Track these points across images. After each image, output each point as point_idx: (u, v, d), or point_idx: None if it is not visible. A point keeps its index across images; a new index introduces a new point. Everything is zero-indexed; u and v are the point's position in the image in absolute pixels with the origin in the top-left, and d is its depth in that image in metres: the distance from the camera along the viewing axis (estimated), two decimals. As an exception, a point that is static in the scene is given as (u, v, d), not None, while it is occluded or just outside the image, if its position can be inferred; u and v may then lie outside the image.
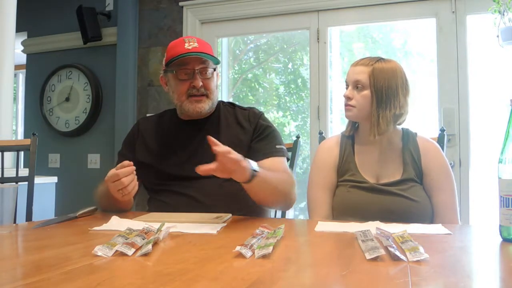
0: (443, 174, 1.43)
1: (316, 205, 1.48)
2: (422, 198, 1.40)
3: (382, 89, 1.42)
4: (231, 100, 3.31)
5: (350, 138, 1.53)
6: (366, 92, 1.43)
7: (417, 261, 0.75)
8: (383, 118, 1.42)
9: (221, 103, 1.67)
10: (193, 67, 1.52)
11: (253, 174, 1.27)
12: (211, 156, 1.52)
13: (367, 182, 1.44)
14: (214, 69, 1.57)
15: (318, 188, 1.49)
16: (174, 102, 1.59)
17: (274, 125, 1.65)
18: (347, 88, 1.48)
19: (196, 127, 1.59)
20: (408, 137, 1.48)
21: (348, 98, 1.45)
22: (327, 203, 1.47)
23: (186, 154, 1.55)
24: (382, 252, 0.76)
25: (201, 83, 1.52)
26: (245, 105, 1.70)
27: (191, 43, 1.53)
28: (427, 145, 1.47)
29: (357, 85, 1.44)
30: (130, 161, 1.59)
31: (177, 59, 1.51)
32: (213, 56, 1.54)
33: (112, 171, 1.30)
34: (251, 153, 1.54)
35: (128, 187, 1.29)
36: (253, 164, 1.28)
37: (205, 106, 1.55)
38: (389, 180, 1.44)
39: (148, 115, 1.80)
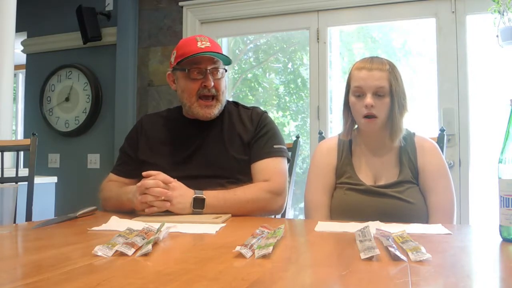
0: (437, 174, 1.42)
1: (315, 207, 1.48)
2: (418, 200, 1.39)
3: (399, 93, 1.40)
4: (231, 100, 3.31)
5: (348, 139, 1.53)
6: (387, 99, 1.39)
7: (420, 261, 0.75)
8: (401, 122, 1.41)
9: (226, 102, 1.67)
10: (206, 66, 1.51)
11: (195, 212, 1.32)
12: (214, 156, 1.53)
13: (363, 185, 1.43)
14: (224, 69, 1.56)
15: (316, 190, 1.48)
16: (183, 102, 1.57)
17: (276, 125, 1.64)
18: (359, 95, 1.40)
19: (200, 127, 1.59)
20: (406, 137, 1.47)
21: (371, 106, 1.37)
22: (326, 205, 1.46)
23: (190, 153, 1.55)
24: (377, 252, 0.76)
25: (212, 83, 1.52)
26: (247, 105, 1.69)
27: (203, 42, 1.52)
28: (423, 145, 1.46)
29: (378, 93, 1.38)
30: (132, 158, 1.60)
31: (190, 58, 1.49)
32: (225, 56, 1.53)
33: (143, 182, 1.31)
34: (250, 152, 1.54)
35: (156, 202, 1.30)
36: (197, 201, 1.32)
37: (215, 111, 1.55)
38: (386, 182, 1.43)
39: (147, 113, 1.79)
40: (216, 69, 1.53)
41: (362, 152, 1.50)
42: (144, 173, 1.34)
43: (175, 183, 1.34)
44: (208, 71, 1.51)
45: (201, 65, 1.51)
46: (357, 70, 1.42)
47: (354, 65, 1.46)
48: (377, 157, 1.48)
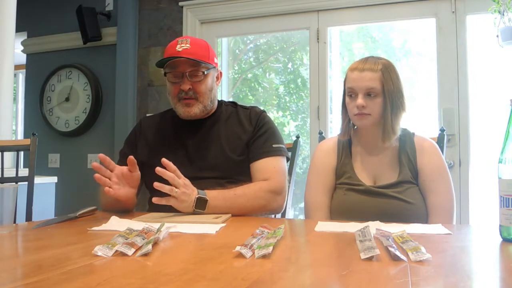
0: (436, 174, 1.42)
1: (315, 208, 1.48)
2: (418, 200, 1.40)
3: (393, 93, 1.40)
4: (231, 100, 3.31)
5: (347, 140, 1.53)
6: (380, 99, 1.39)
7: (420, 261, 0.75)
8: (396, 123, 1.41)
9: (223, 103, 1.67)
10: (183, 70, 1.50)
11: (196, 212, 1.31)
12: (212, 157, 1.53)
13: (363, 185, 1.43)
14: (204, 72, 1.52)
15: (316, 191, 1.48)
16: (170, 103, 1.60)
17: (275, 124, 1.64)
18: (351, 95, 1.42)
19: (195, 127, 1.59)
20: (405, 137, 1.47)
21: (362, 107, 1.39)
22: (326, 206, 1.46)
23: (188, 154, 1.55)
24: (377, 252, 0.76)
25: (189, 87, 1.51)
26: (247, 105, 1.69)
27: (182, 45, 1.51)
28: (423, 145, 1.46)
29: (369, 93, 1.39)
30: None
31: (168, 62, 1.50)
32: (200, 60, 1.50)
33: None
34: (249, 152, 1.54)
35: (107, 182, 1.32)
36: (200, 202, 1.31)
37: (195, 110, 1.53)
38: (385, 182, 1.43)
39: (148, 115, 1.80)
40: (195, 71, 1.51)
41: (360, 152, 1.50)
42: (163, 160, 1.31)
43: (186, 180, 1.33)
44: (186, 74, 1.50)
45: (178, 69, 1.51)
46: (351, 71, 1.44)
47: (350, 66, 1.47)
48: (374, 156, 1.48)
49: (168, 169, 1.29)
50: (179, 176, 1.31)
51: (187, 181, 1.33)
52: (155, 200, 1.29)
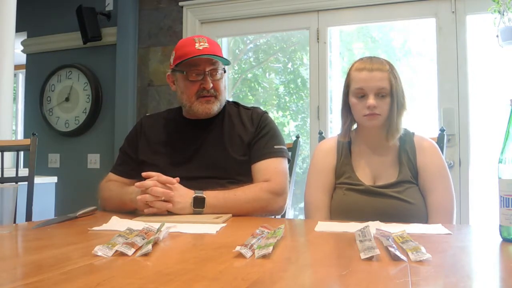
0: (436, 173, 1.42)
1: (315, 207, 1.47)
2: (418, 200, 1.39)
3: (398, 93, 1.40)
4: (231, 100, 3.31)
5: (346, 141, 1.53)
6: (388, 99, 1.39)
7: (420, 261, 0.75)
8: (400, 121, 1.41)
9: (226, 103, 1.67)
10: (204, 68, 1.51)
11: (195, 211, 1.32)
12: (214, 156, 1.53)
13: (362, 185, 1.43)
14: (224, 70, 1.56)
15: (316, 191, 1.48)
16: (182, 103, 1.58)
17: (277, 125, 1.64)
18: (360, 96, 1.40)
19: (200, 127, 1.59)
20: (405, 137, 1.47)
21: (374, 107, 1.38)
22: (326, 206, 1.46)
23: (190, 153, 1.55)
24: (377, 252, 0.76)
25: (211, 85, 1.52)
26: (249, 105, 1.69)
27: (201, 44, 1.51)
28: (423, 144, 1.46)
29: (380, 93, 1.39)
30: (131, 158, 1.60)
31: (188, 60, 1.49)
32: (223, 57, 1.53)
33: (142, 183, 1.31)
34: (250, 153, 1.54)
35: (156, 203, 1.30)
36: (198, 200, 1.32)
37: (214, 107, 1.55)
38: (385, 182, 1.43)
39: (147, 114, 1.80)
40: (215, 70, 1.53)
41: (362, 152, 1.50)
42: (143, 174, 1.34)
43: (176, 184, 1.34)
44: (207, 72, 1.51)
45: (200, 67, 1.51)
46: (357, 71, 1.42)
47: (353, 66, 1.45)
48: (376, 156, 1.48)
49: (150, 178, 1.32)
50: (169, 181, 1.32)
51: (178, 185, 1.34)
52: (147, 211, 1.30)
